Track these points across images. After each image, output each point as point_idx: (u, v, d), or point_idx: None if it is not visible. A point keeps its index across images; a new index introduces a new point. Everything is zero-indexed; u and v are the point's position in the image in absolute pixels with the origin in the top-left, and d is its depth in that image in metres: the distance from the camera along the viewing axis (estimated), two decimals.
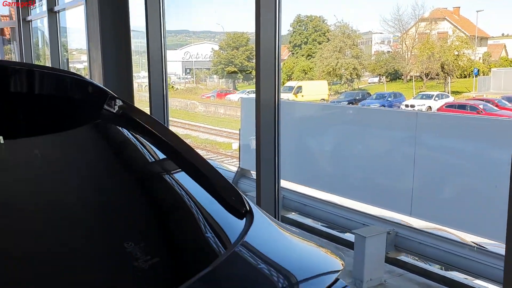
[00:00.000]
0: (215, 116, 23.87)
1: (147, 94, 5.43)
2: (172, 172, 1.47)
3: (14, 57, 13.00)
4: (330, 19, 34.39)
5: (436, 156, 5.87)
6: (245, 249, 1.14)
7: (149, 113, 3.18)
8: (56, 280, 0.98)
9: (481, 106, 16.48)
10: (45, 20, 8.76)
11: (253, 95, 3.93)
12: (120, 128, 1.49)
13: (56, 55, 8.68)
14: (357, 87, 26.47)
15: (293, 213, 7.18)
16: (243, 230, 1.21)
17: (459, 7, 24.96)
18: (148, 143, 1.49)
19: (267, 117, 3.83)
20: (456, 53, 23.44)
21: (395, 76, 25.61)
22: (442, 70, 23.17)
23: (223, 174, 1.40)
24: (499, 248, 4.64)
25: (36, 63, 10.76)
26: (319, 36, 28.54)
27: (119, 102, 1.46)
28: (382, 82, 25.98)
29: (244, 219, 1.27)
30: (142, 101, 7.52)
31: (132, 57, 5.90)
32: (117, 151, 1.48)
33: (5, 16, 14.75)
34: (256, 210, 1.32)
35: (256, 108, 3.84)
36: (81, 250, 1.06)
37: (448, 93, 21.82)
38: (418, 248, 5.36)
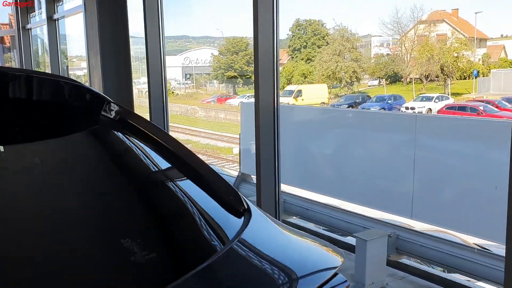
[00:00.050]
0: (216, 121, 23.90)
1: (147, 100, 5.45)
2: (170, 173, 1.49)
3: (14, 65, 13.03)
4: (329, 23, 34.52)
5: (436, 158, 5.87)
6: (242, 245, 1.15)
7: (148, 119, 3.19)
8: (56, 280, 0.99)
9: (481, 108, 16.48)
10: (45, 28, 8.79)
11: (253, 100, 3.94)
12: (117, 133, 1.51)
13: (56, 62, 8.71)
14: (357, 90, 26.50)
15: (294, 217, 7.17)
16: (241, 227, 1.22)
17: (458, 9, 25.04)
18: (144, 146, 1.50)
19: (266, 121, 3.84)
20: (456, 54, 23.47)
21: (394, 78, 25.62)
22: (441, 72, 23.19)
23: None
24: (502, 250, 4.63)
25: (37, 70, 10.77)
26: (318, 39, 28.60)
27: (117, 108, 1.49)
28: (382, 84, 26.01)
29: (242, 217, 1.28)
30: (142, 107, 7.53)
31: (132, 63, 5.92)
32: (115, 155, 1.50)
33: (5, 24, 14.83)
34: (254, 208, 1.33)
35: (255, 111, 3.85)
36: (80, 250, 1.08)
37: (448, 95, 21.82)
38: (420, 250, 5.35)
